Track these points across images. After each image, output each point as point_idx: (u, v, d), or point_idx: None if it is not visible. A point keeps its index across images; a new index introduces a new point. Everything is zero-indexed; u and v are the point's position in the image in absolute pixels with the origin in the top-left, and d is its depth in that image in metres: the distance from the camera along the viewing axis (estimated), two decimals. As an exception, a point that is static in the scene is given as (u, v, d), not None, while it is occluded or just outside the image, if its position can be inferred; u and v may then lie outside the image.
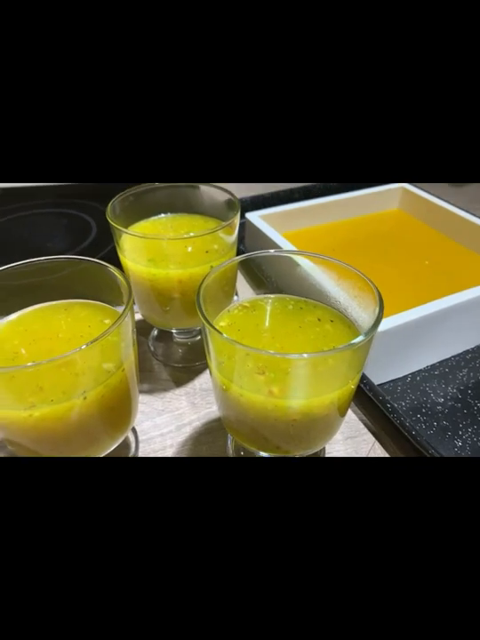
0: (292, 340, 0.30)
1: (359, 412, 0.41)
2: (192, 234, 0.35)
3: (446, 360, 0.45)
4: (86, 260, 0.31)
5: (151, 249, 0.36)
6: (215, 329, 0.25)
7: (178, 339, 0.47)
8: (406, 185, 0.65)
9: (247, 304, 0.33)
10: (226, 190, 0.41)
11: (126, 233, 0.35)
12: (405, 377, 0.43)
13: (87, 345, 0.25)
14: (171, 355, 0.46)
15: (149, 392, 0.42)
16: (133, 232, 0.36)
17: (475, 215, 0.58)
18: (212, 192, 0.42)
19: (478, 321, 0.45)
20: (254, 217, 0.56)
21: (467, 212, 0.58)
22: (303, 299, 0.34)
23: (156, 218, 0.43)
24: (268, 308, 0.33)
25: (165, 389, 0.42)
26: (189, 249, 0.37)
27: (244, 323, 0.31)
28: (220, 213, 0.42)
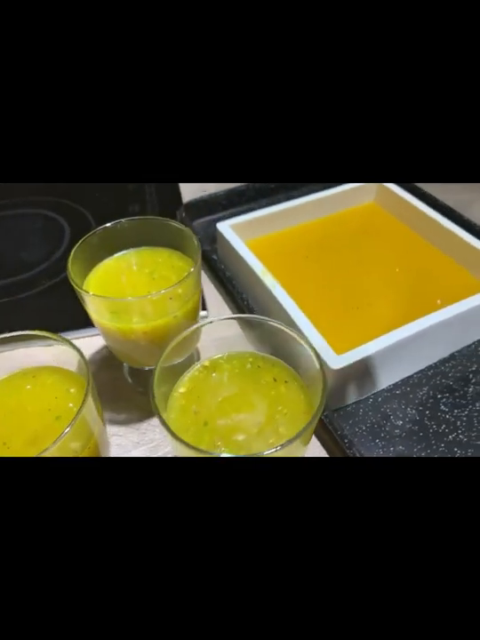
0: (246, 406, 0.32)
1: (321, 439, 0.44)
2: (153, 293, 0.36)
3: (409, 377, 0.47)
4: (46, 337, 0.32)
5: (112, 303, 0.37)
6: (174, 436, 0.26)
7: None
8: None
9: (207, 364, 0.35)
10: (187, 226, 0.41)
11: (84, 292, 0.36)
12: (368, 398, 0.45)
13: (57, 440, 0.27)
14: (147, 383, 0.48)
15: (125, 423, 0.44)
16: (91, 293, 0.36)
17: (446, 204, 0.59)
18: (175, 228, 0.42)
19: (444, 339, 0.47)
20: (224, 227, 0.55)
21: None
22: (262, 355, 0.35)
23: (119, 255, 0.43)
24: (227, 367, 0.34)
25: (141, 420, 0.45)
26: (153, 296, 0.37)
27: (203, 388, 0.33)
28: (183, 245, 0.42)
